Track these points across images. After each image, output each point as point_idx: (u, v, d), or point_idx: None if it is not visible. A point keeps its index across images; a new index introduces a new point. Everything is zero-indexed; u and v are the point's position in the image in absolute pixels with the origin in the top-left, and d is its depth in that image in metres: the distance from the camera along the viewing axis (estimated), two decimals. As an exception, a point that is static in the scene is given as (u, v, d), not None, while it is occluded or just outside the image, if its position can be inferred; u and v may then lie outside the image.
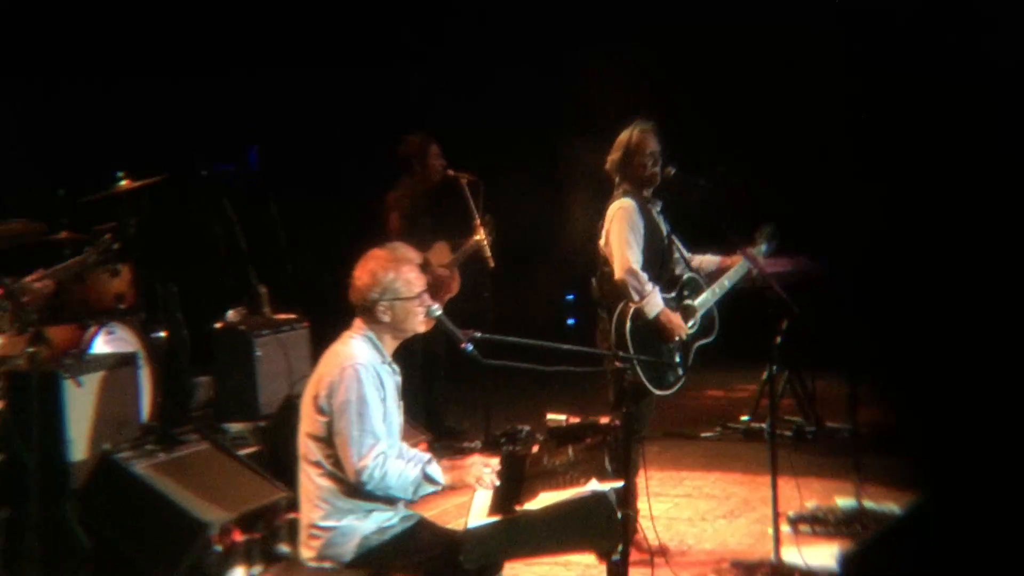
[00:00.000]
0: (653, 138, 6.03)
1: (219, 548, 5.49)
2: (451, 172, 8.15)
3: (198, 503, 5.60)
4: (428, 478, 4.42)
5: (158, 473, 5.71)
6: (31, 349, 5.50)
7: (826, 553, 5.69)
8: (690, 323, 6.03)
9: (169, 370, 7.31)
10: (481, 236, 8.05)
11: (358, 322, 4.57)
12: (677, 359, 5.99)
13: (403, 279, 4.52)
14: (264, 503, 5.87)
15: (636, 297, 5.84)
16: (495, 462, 4.58)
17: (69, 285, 6.75)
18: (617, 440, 4.41)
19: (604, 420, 4.59)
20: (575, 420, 4.65)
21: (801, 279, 7.71)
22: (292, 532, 5.31)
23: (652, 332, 5.90)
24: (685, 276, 6.12)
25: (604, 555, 4.21)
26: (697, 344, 6.09)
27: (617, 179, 6.09)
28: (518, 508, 4.24)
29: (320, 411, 4.43)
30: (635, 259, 5.87)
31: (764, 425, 8.10)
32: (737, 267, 6.13)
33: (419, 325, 4.60)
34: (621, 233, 5.90)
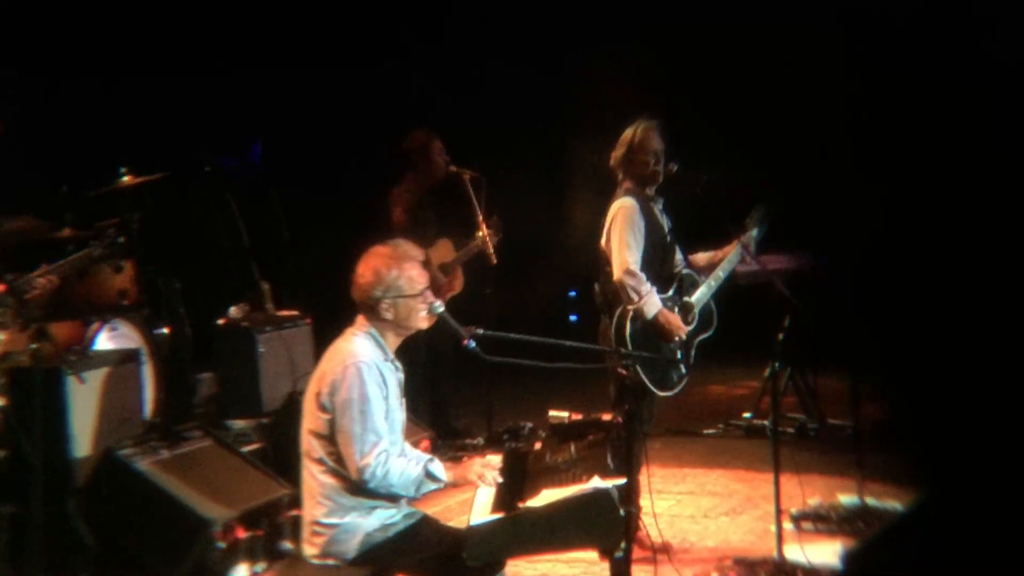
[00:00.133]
0: (657, 136, 6.02)
1: (222, 545, 5.50)
2: (454, 168, 8.15)
3: (201, 500, 5.61)
4: (430, 475, 4.42)
5: (161, 470, 5.72)
6: (34, 345, 5.51)
7: (829, 550, 5.69)
8: (689, 318, 6.03)
9: (172, 367, 7.31)
10: (483, 232, 8.05)
11: (361, 319, 4.57)
12: (679, 356, 5.98)
13: (406, 276, 4.53)
14: (267, 500, 5.87)
15: (634, 297, 5.83)
16: (497, 459, 4.58)
17: (72, 281, 6.75)
18: (620, 437, 4.41)
19: (607, 417, 4.60)
20: (577, 417, 4.66)
21: (803, 275, 7.73)
22: (295, 529, 5.31)
23: (652, 333, 5.90)
24: (682, 273, 6.12)
25: (606, 552, 4.21)
26: (698, 340, 6.09)
27: (620, 176, 6.09)
28: (520, 505, 4.25)
29: (322, 408, 4.43)
30: (633, 260, 5.86)
31: (766, 422, 8.10)
32: (730, 256, 6.12)
33: (421, 322, 4.60)
34: (621, 234, 5.89)
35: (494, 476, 4.49)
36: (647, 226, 5.95)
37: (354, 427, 4.35)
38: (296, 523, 5.13)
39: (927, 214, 3.16)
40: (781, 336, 5.71)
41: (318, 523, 4.44)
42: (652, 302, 5.86)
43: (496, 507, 4.34)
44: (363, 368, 4.41)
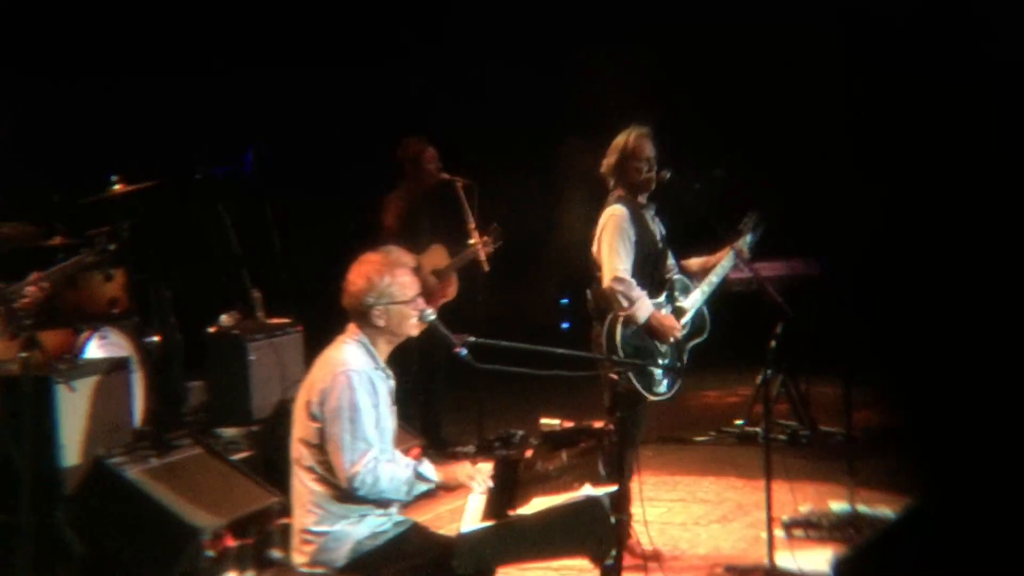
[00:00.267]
0: (649, 143, 6.02)
1: (211, 553, 5.48)
2: (446, 176, 8.15)
3: (190, 508, 5.59)
4: (420, 476, 4.41)
5: (151, 478, 5.70)
6: (24, 354, 5.50)
7: (820, 557, 5.68)
8: (681, 323, 6.03)
9: (162, 375, 7.29)
10: (476, 240, 8.05)
11: (352, 327, 4.56)
12: (670, 362, 5.98)
13: (398, 283, 4.52)
14: (257, 508, 5.85)
15: (625, 303, 5.83)
16: (488, 467, 4.57)
17: (62, 290, 6.74)
18: (611, 444, 4.40)
19: (598, 424, 4.59)
20: (569, 424, 4.65)
21: (796, 282, 7.73)
22: (285, 537, 5.30)
23: (644, 338, 5.89)
24: (674, 278, 6.12)
25: (597, 560, 4.20)
26: (690, 344, 6.09)
27: (611, 183, 6.08)
28: (511, 513, 4.24)
29: (312, 417, 4.42)
30: (623, 267, 5.85)
31: (758, 429, 8.11)
32: (723, 262, 6.11)
33: (413, 329, 4.60)
34: (611, 242, 5.89)
35: (484, 478, 4.48)
36: (638, 233, 5.94)
37: (344, 435, 4.34)
38: (286, 531, 5.12)
39: (927, 214, 3.17)
40: (773, 343, 5.70)
41: (308, 531, 4.43)
42: (643, 306, 5.85)
43: (487, 515, 4.32)
44: (353, 377, 4.40)
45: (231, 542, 5.58)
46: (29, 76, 8.45)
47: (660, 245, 6.11)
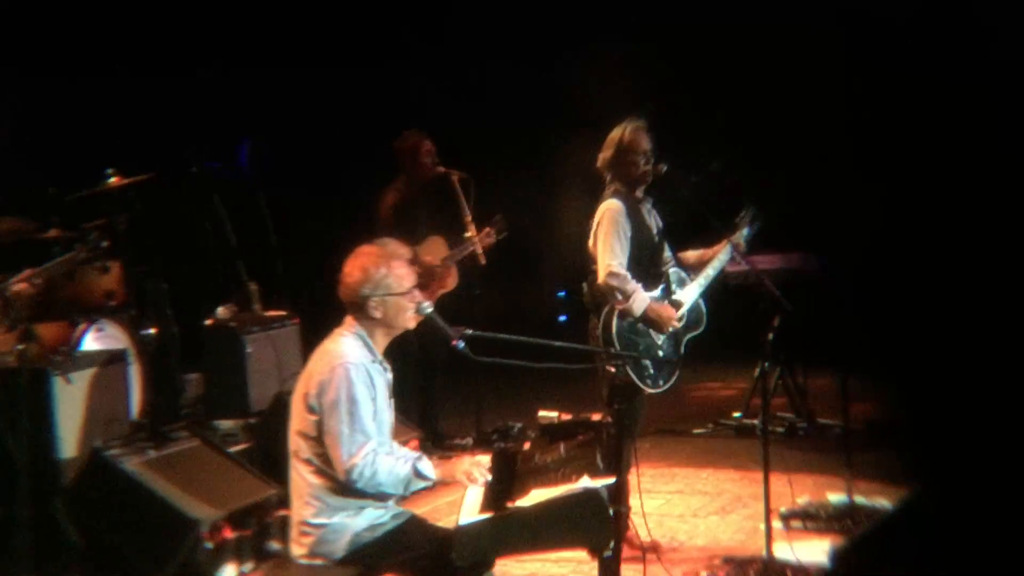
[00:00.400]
0: (645, 136, 6.01)
1: (210, 545, 5.48)
2: (442, 169, 8.16)
3: (188, 500, 5.59)
4: (418, 473, 4.40)
5: (148, 470, 5.70)
6: (20, 346, 5.51)
7: (818, 549, 5.69)
8: (678, 315, 6.03)
9: (159, 367, 7.29)
10: (472, 233, 8.06)
11: (349, 319, 4.56)
12: (668, 354, 5.98)
13: (394, 274, 4.51)
14: (255, 500, 5.86)
15: (620, 297, 5.82)
16: (486, 459, 4.57)
17: (58, 282, 6.74)
18: (609, 437, 4.40)
19: (596, 417, 4.59)
20: (567, 417, 4.65)
21: (795, 276, 7.73)
22: (283, 529, 5.30)
23: (641, 330, 5.89)
24: (669, 271, 6.12)
25: (596, 552, 4.20)
26: (687, 337, 6.09)
27: (608, 177, 6.07)
28: (509, 505, 4.24)
29: (310, 410, 4.41)
30: (617, 262, 5.84)
31: (756, 421, 8.11)
32: (720, 255, 6.11)
33: (409, 321, 4.59)
34: (606, 236, 5.88)
35: (482, 473, 4.47)
36: (634, 227, 5.94)
37: (342, 428, 4.34)
38: (284, 523, 5.12)
39: (927, 214, 3.17)
40: (771, 336, 5.70)
41: (306, 523, 4.42)
42: (639, 298, 5.85)
43: (485, 507, 4.32)
44: (351, 369, 4.40)
45: (229, 534, 5.58)
46: (25, 71, 8.44)
47: (656, 238, 6.11)
